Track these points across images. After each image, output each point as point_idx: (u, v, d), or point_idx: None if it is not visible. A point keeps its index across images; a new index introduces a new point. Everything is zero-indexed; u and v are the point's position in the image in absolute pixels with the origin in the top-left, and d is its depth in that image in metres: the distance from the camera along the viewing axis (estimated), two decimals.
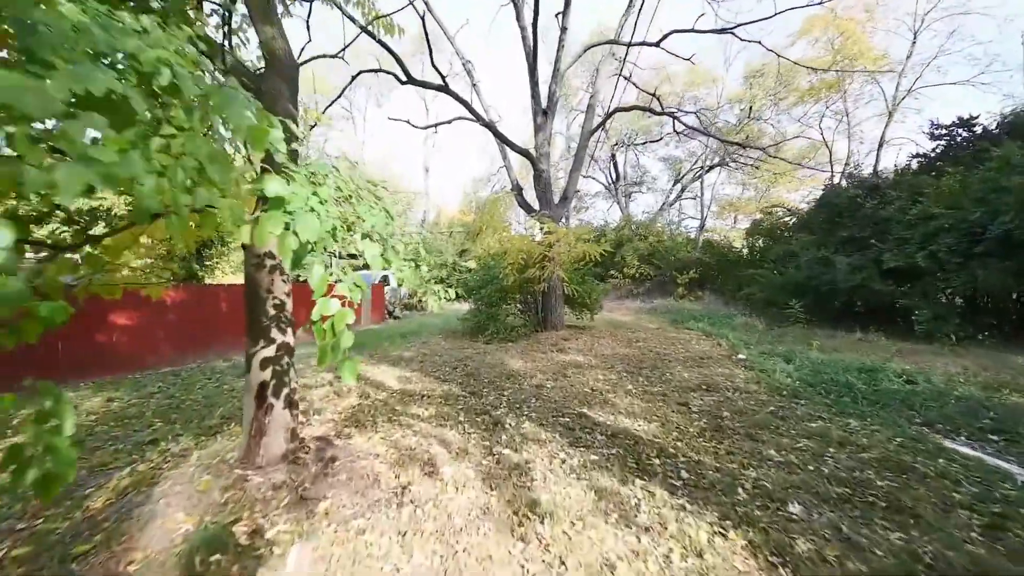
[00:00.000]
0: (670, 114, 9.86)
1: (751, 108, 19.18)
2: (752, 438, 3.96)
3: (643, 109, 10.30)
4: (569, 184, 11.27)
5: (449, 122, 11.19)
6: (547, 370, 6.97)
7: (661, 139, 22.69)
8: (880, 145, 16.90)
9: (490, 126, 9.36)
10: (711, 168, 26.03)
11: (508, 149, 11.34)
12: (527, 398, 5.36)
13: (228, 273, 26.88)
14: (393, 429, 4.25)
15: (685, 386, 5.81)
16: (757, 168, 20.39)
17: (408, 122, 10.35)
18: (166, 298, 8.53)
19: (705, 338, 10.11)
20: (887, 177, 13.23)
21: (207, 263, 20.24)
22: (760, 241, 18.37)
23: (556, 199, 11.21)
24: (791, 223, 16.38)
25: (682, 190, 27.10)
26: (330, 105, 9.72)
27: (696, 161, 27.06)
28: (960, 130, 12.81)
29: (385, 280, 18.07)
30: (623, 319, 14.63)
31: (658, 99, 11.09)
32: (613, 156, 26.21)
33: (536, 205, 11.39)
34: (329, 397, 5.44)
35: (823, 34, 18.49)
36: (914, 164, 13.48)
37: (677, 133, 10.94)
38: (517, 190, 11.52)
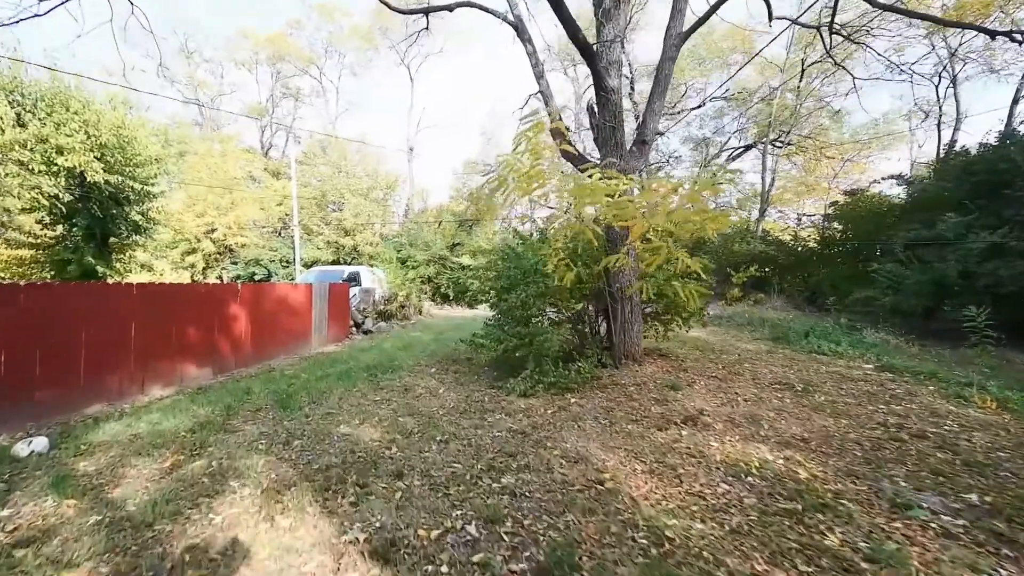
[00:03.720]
0: None
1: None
2: None
3: None
4: (648, 118, 6.76)
5: (451, 8, 6.60)
6: (749, 536, 2.47)
7: (702, 105, 18.49)
8: (1014, 101, 12.99)
9: None
10: (747, 148, 21.99)
11: (541, 60, 6.81)
12: None
13: (167, 272, 21.65)
14: None
15: None
16: (821, 145, 16.33)
17: None
18: None
19: (901, 379, 5.76)
20: None
21: (118, 256, 15.19)
22: (844, 229, 14.25)
23: (628, 143, 6.74)
24: (905, 201, 12.25)
25: (713, 175, 22.96)
26: None
27: (728, 139, 23.01)
28: None
29: (353, 279, 13.30)
30: (694, 335, 10.22)
31: None
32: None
33: (592, 154, 6.92)
34: None
35: None
36: None
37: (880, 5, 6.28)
38: (559, 133, 6.97)
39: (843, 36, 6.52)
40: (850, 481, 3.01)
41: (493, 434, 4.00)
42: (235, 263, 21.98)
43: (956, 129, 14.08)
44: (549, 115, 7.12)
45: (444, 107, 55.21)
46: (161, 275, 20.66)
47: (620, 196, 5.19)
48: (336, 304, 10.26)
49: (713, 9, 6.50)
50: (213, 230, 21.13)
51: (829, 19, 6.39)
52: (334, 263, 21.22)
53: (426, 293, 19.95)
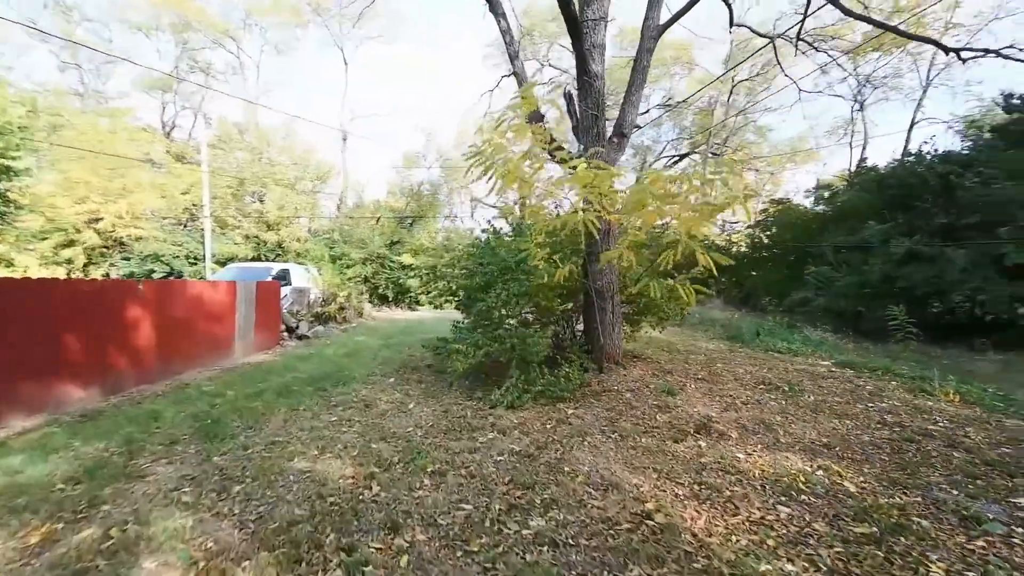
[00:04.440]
0: None
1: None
2: None
3: None
4: (626, 110, 6.51)
5: None
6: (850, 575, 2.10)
7: (648, 112, 19.18)
8: (912, 125, 15.00)
9: None
10: (684, 156, 23.24)
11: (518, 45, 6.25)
12: None
13: (33, 268, 17.75)
14: None
15: None
16: (747, 157, 17.59)
17: None
18: None
19: (863, 375, 6.03)
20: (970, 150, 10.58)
21: None
22: (773, 235, 15.38)
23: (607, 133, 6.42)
24: (825, 211, 13.44)
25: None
26: None
27: (665, 147, 24.17)
28: None
29: (283, 276, 11.72)
30: (653, 335, 10.24)
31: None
32: None
33: (569, 145, 6.49)
34: None
35: None
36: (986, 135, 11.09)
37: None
38: (537, 119, 6.46)
39: (808, 44, 6.76)
40: (900, 492, 2.80)
41: (494, 459, 3.33)
42: (127, 259, 18.65)
43: (864, 147, 15.98)
44: (524, 98, 6.58)
45: (382, 96, 52.25)
46: (25, 271, 16.89)
47: (610, 188, 4.89)
48: (265, 305, 8.83)
49: (693, 2, 6.38)
50: (98, 219, 17.76)
51: (798, 30, 6.57)
52: (255, 260, 18.88)
53: (363, 294, 18.43)
